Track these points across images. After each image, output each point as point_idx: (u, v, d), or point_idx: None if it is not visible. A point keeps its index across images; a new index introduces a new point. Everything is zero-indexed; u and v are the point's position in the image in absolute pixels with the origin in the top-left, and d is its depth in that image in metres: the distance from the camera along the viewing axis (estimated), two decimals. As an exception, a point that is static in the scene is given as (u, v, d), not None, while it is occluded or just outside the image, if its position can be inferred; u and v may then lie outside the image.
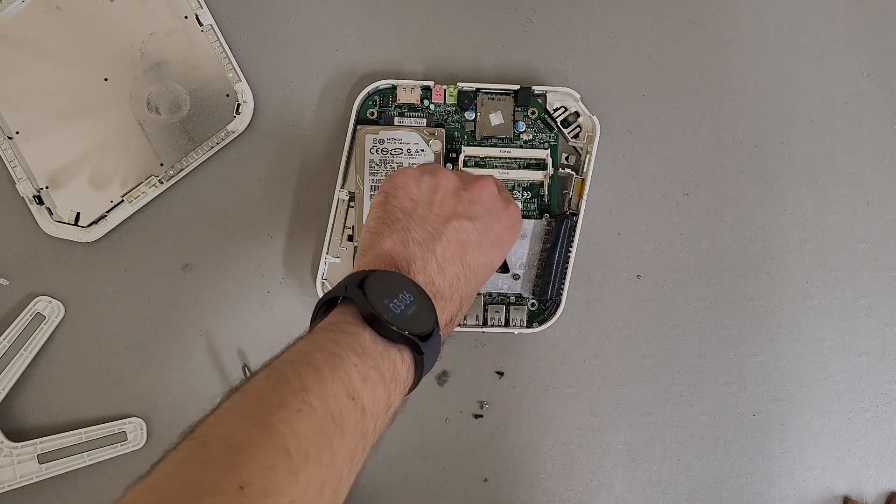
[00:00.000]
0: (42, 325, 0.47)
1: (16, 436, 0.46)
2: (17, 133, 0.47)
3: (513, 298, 0.48)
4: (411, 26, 0.50)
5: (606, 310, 0.49)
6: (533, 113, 0.49)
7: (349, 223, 0.48)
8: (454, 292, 0.35)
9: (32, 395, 0.47)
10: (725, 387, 0.50)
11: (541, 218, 0.48)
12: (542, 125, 0.49)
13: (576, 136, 0.49)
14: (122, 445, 0.46)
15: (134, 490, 0.23)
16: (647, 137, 0.50)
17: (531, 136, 0.49)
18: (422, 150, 0.47)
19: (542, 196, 0.48)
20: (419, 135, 0.47)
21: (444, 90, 0.48)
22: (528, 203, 0.48)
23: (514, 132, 0.48)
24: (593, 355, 0.49)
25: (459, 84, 0.48)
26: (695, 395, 0.49)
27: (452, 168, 0.47)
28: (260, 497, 0.23)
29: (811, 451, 0.50)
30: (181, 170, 0.48)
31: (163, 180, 0.47)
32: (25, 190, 0.47)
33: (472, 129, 0.49)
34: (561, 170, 0.48)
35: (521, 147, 0.48)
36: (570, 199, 0.48)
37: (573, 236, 0.47)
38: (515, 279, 0.48)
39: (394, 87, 0.48)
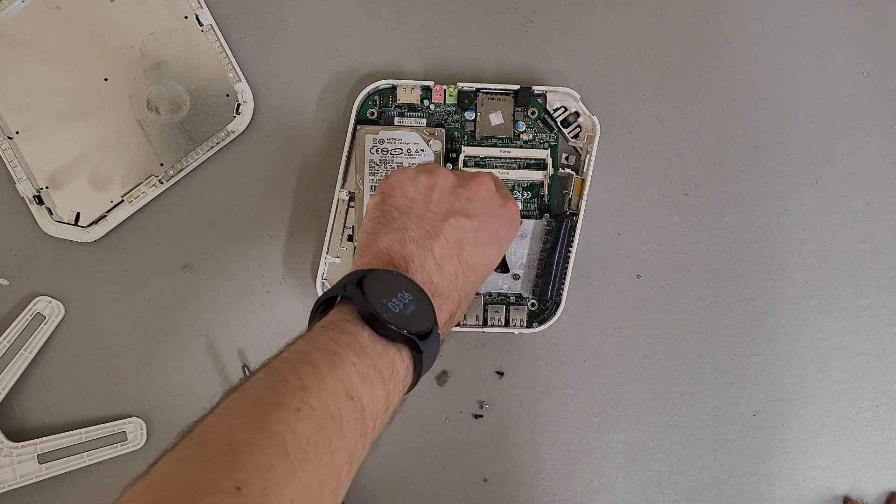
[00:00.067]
0: (42, 325, 0.47)
1: (16, 436, 0.46)
2: (17, 133, 0.47)
3: (513, 298, 0.48)
4: (411, 26, 0.50)
5: (606, 310, 0.49)
6: (533, 113, 0.49)
7: (349, 223, 0.48)
8: (453, 290, 0.35)
9: (32, 395, 0.47)
10: (725, 387, 0.50)
11: (541, 218, 0.48)
12: (542, 125, 0.49)
13: (576, 136, 0.49)
14: (122, 445, 0.47)
15: (132, 490, 0.23)
16: (647, 137, 0.50)
17: (531, 136, 0.49)
18: (422, 150, 0.47)
19: (542, 196, 0.48)
20: (419, 135, 0.47)
21: (444, 90, 0.48)
22: (528, 203, 0.48)
23: (514, 132, 0.48)
24: (593, 355, 0.49)
25: (459, 84, 0.48)
26: (695, 395, 0.49)
27: (452, 168, 0.47)
28: (258, 497, 0.23)
29: (811, 451, 0.50)
30: (181, 170, 0.48)
31: (163, 180, 0.47)
32: (25, 190, 0.47)
33: (472, 129, 0.49)
34: (561, 170, 0.48)
35: (521, 147, 0.48)
36: (570, 199, 0.48)
37: (573, 236, 0.47)
38: (515, 279, 0.48)
39: (394, 87, 0.48)
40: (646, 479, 0.49)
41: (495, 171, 0.48)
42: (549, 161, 0.48)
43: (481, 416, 0.49)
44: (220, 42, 0.48)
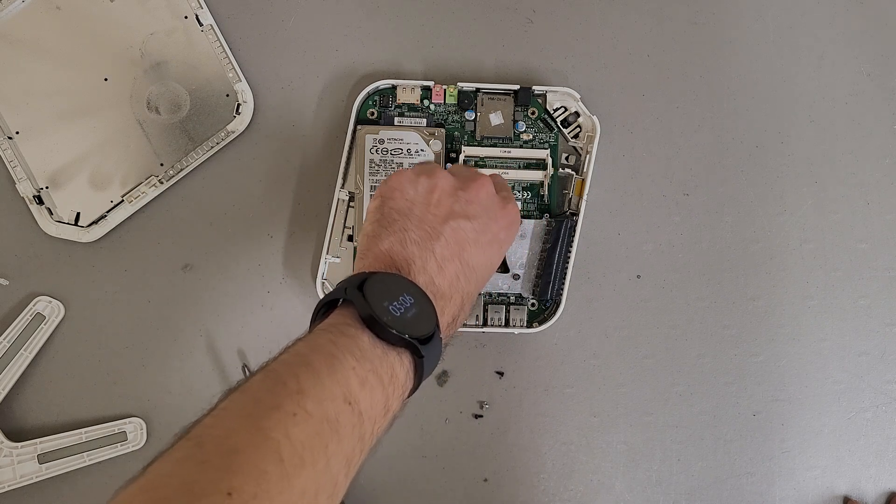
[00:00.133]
0: (42, 325, 0.47)
1: (16, 436, 0.46)
2: (17, 133, 0.47)
3: (513, 298, 0.48)
4: (411, 26, 0.50)
5: (606, 310, 0.49)
6: (533, 113, 0.49)
7: (349, 223, 0.48)
8: (455, 291, 0.35)
9: (32, 395, 0.47)
10: (725, 387, 0.50)
11: (541, 218, 0.48)
12: (542, 125, 0.49)
13: (576, 136, 0.49)
14: (122, 445, 0.47)
15: (127, 491, 0.23)
16: (647, 137, 0.50)
17: (531, 136, 0.49)
18: (422, 150, 0.47)
19: (542, 196, 0.48)
20: (419, 135, 0.47)
21: (444, 90, 0.48)
22: (528, 203, 0.48)
23: (514, 132, 0.48)
24: (593, 355, 0.49)
25: (459, 84, 0.48)
26: (695, 395, 0.49)
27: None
28: (248, 503, 0.23)
29: (811, 451, 0.50)
30: (181, 170, 0.48)
31: (163, 180, 0.47)
32: (25, 190, 0.47)
33: (472, 129, 0.49)
34: (561, 170, 0.48)
35: (521, 147, 0.48)
36: (570, 199, 0.48)
37: (573, 236, 0.47)
38: (515, 279, 0.48)
39: (394, 87, 0.48)
40: (646, 479, 0.49)
41: (495, 172, 0.48)
42: (549, 161, 0.48)
43: (481, 416, 0.49)
44: (220, 42, 0.48)
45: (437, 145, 0.47)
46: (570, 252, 0.47)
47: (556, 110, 0.49)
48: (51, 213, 0.47)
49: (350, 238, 0.48)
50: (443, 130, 0.48)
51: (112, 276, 0.48)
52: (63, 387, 0.47)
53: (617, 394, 0.49)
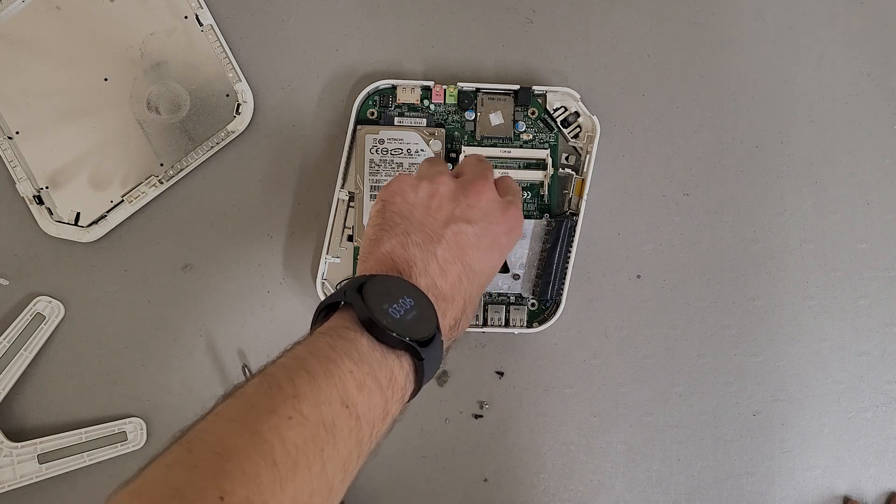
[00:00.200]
0: (42, 325, 0.47)
1: (16, 436, 0.46)
2: (17, 133, 0.47)
3: (513, 298, 0.48)
4: (411, 26, 0.50)
5: (606, 310, 0.49)
6: (533, 113, 0.49)
7: (349, 223, 0.48)
8: (457, 294, 0.35)
9: (32, 395, 0.47)
10: (725, 387, 0.50)
11: (541, 218, 0.48)
12: (542, 125, 0.49)
13: (576, 136, 0.49)
14: (122, 445, 0.47)
15: (118, 495, 0.23)
16: (647, 137, 0.50)
17: (531, 136, 0.49)
18: (422, 150, 0.47)
19: (542, 196, 0.48)
20: (419, 135, 0.47)
21: (444, 90, 0.48)
22: (528, 203, 0.48)
23: (514, 132, 0.48)
24: (593, 355, 0.49)
25: (459, 84, 0.48)
26: (695, 395, 0.49)
27: (452, 168, 0.47)
28: None
29: (811, 451, 0.50)
30: (181, 170, 0.48)
31: (163, 180, 0.47)
32: (25, 190, 0.47)
33: (472, 129, 0.49)
34: (561, 170, 0.48)
35: (521, 147, 0.48)
36: (570, 199, 0.48)
37: (573, 236, 0.47)
38: (515, 279, 0.48)
39: (394, 87, 0.48)
40: (646, 479, 0.49)
41: (495, 172, 0.47)
42: (549, 161, 0.48)
43: (481, 416, 0.49)
44: (220, 42, 0.48)
45: (437, 145, 0.47)
46: (570, 252, 0.47)
47: (556, 110, 0.49)
48: (51, 213, 0.47)
49: (350, 238, 0.48)
50: (443, 130, 0.48)
51: (112, 276, 0.48)
52: (63, 387, 0.47)
53: (617, 394, 0.49)
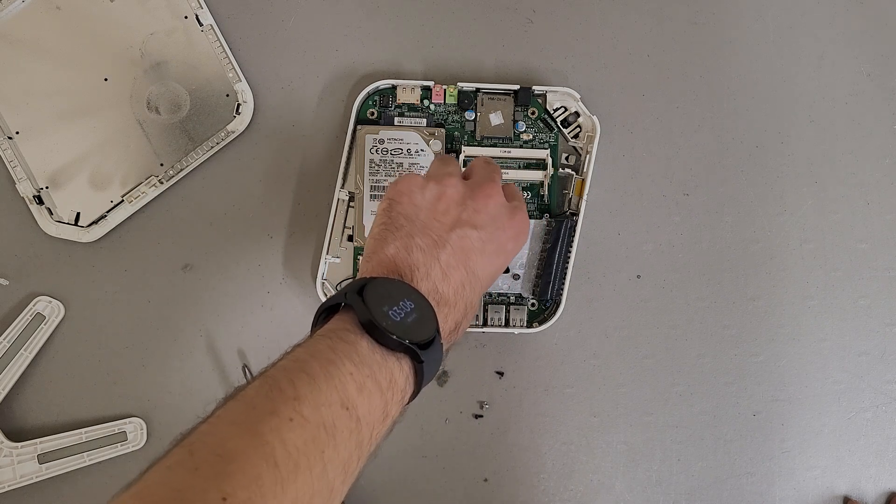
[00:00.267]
0: (42, 325, 0.47)
1: (16, 436, 0.46)
2: (17, 133, 0.47)
3: (513, 298, 0.48)
4: (411, 26, 0.50)
5: (606, 310, 0.49)
6: (533, 113, 0.49)
7: (349, 223, 0.48)
8: (459, 299, 0.35)
9: (32, 395, 0.47)
10: (725, 387, 0.50)
11: (541, 218, 0.48)
12: (542, 125, 0.49)
13: (576, 136, 0.49)
14: (122, 445, 0.47)
15: (120, 498, 0.23)
16: (647, 137, 0.50)
17: (531, 136, 0.49)
18: (422, 150, 0.47)
19: (542, 196, 0.48)
20: (419, 135, 0.47)
21: (444, 90, 0.48)
22: (528, 203, 0.48)
23: (514, 132, 0.48)
24: (593, 355, 0.49)
25: (459, 84, 0.48)
26: (695, 395, 0.49)
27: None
28: None
29: (811, 451, 0.50)
30: (181, 170, 0.48)
31: (163, 180, 0.47)
32: (25, 190, 0.47)
33: (472, 129, 0.49)
34: (561, 170, 0.48)
35: (521, 147, 0.48)
36: (570, 199, 0.48)
37: (573, 236, 0.47)
38: (515, 279, 0.48)
39: (394, 87, 0.48)
40: (646, 479, 0.49)
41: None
42: (549, 161, 0.48)
43: (481, 416, 0.49)
44: (220, 42, 0.48)
45: (437, 145, 0.47)
46: (570, 252, 0.47)
47: (556, 110, 0.49)
48: (51, 213, 0.47)
49: (350, 238, 0.48)
50: (443, 130, 0.48)
51: (112, 276, 0.48)
52: (63, 387, 0.47)
53: (617, 394, 0.49)
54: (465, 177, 0.39)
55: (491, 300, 0.48)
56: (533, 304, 0.48)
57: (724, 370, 0.50)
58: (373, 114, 0.48)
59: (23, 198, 0.47)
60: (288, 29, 0.49)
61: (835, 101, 0.51)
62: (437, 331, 0.32)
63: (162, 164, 0.48)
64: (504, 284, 0.48)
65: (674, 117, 0.50)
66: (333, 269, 0.48)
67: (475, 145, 0.48)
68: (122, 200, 0.47)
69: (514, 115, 0.48)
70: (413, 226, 0.35)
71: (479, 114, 0.48)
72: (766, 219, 0.50)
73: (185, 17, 0.48)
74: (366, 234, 0.47)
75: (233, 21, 0.49)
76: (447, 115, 0.48)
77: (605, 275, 0.49)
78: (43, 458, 0.46)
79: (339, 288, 0.48)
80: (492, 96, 0.48)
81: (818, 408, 0.50)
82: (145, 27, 0.48)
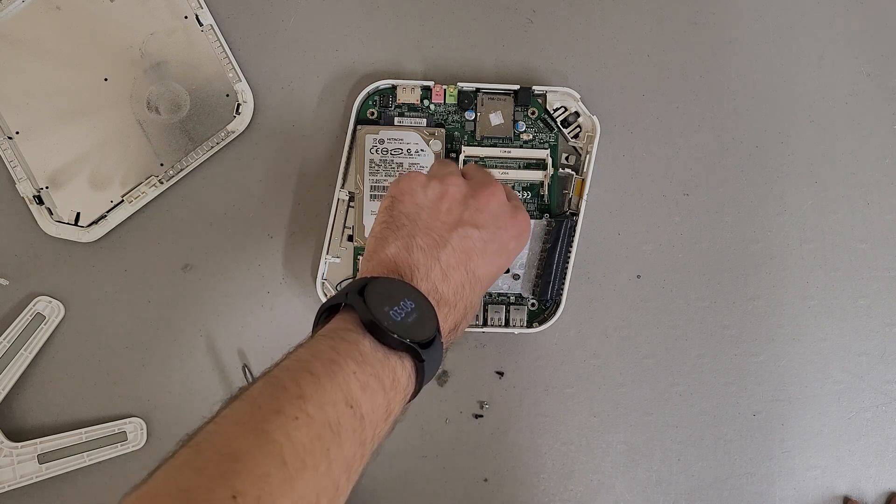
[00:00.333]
0: (42, 325, 0.47)
1: (16, 436, 0.46)
2: (17, 133, 0.47)
3: (513, 298, 0.48)
4: (411, 26, 0.50)
5: (606, 310, 0.49)
6: (533, 113, 0.49)
7: (349, 223, 0.48)
8: (458, 299, 0.35)
9: (32, 395, 0.47)
10: (725, 387, 0.50)
11: (541, 218, 0.48)
12: (542, 125, 0.49)
13: (576, 136, 0.49)
14: (122, 445, 0.47)
15: (128, 499, 0.23)
16: (647, 137, 0.50)
17: (531, 136, 0.49)
18: (422, 150, 0.47)
19: (542, 196, 0.48)
20: (419, 135, 0.47)
21: (444, 90, 0.48)
22: (528, 203, 0.48)
23: (514, 132, 0.48)
24: (593, 355, 0.49)
25: (459, 84, 0.48)
26: (695, 395, 0.49)
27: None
28: None
29: (811, 451, 0.50)
30: (181, 170, 0.48)
31: (163, 180, 0.47)
32: (25, 190, 0.47)
33: (472, 129, 0.49)
34: (561, 170, 0.48)
35: (521, 147, 0.48)
36: (570, 199, 0.48)
37: (573, 236, 0.47)
38: (515, 279, 0.48)
39: (394, 87, 0.48)
40: (646, 479, 0.49)
41: (495, 172, 0.47)
42: (549, 161, 0.48)
43: (481, 416, 0.49)
44: (220, 42, 0.48)
45: (437, 145, 0.47)
46: (570, 252, 0.47)
47: (556, 110, 0.49)
48: (51, 213, 0.47)
49: (350, 238, 0.48)
50: (443, 130, 0.48)
51: (112, 276, 0.48)
52: (63, 387, 0.47)
53: (617, 394, 0.49)
54: (464, 177, 0.39)
55: (491, 300, 0.48)
56: (533, 304, 0.48)
57: (724, 370, 0.50)
58: (373, 114, 0.48)
59: (23, 198, 0.47)
60: (288, 29, 0.49)
61: (835, 101, 0.51)
62: (438, 330, 0.32)
63: (162, 164, 0.48)
64: (504, 284, 0.48)
65: (674, 117, 0.50)
66: (333, 269, 0.48)
67: (475, 145, 0.48)
68: (122, 200, 0.47)
69: (514, 115, 0.48)
70: (414, 225, 0.35)
71: (479, 114, 0.48)
72: (766, 219, 0.50)
73: (185, 17, 0.48)
74: (366, 234, 0.47)
75: (233, 21, 0.49)
76: (447, 115, 0.48)
77: (605, 275, 0.49)
78: (43, 458, 0.46)
79: (339, 288, 0.48)
80: (492, 96, 0.48)
81: (818, 408, 0.50)
82: (145, 27, 0.48)
